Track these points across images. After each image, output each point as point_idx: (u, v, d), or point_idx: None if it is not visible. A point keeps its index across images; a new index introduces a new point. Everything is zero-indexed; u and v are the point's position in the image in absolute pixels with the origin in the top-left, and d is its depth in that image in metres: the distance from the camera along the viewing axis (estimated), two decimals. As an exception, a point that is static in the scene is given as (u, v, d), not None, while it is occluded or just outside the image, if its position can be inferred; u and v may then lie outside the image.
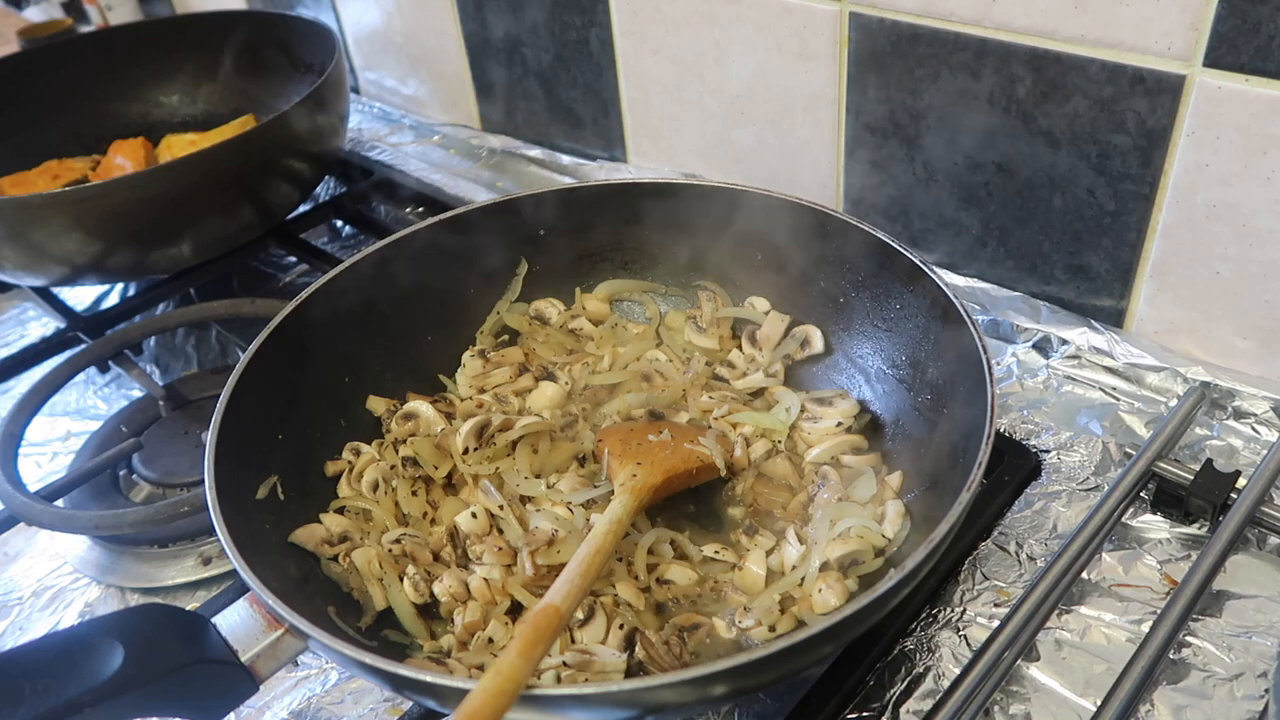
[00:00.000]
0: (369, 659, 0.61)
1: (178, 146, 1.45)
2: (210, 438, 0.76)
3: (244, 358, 0.83)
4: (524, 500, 0.87)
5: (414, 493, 0.89)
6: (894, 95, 1.08)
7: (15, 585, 0.97)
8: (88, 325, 1.25)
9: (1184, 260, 0.97)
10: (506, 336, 1.04)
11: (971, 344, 0.77)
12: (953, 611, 0.80)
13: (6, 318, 1.38)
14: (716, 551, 0.82)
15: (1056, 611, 0.79)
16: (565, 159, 1.49)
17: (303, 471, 0.88)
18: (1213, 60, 0.85)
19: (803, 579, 0.77)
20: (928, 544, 0.63)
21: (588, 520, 0.83)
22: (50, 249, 1.15)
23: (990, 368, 0.74)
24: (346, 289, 0.93)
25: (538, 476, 0.88)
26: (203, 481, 0.73)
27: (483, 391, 0.97)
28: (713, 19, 1.19)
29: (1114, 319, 1.05)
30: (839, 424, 0.91)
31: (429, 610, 0.81)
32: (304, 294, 0.90)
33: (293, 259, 1.40)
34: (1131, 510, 0.87)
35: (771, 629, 0.76)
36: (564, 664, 0.71)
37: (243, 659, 0.67)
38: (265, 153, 1.23)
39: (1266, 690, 0.72)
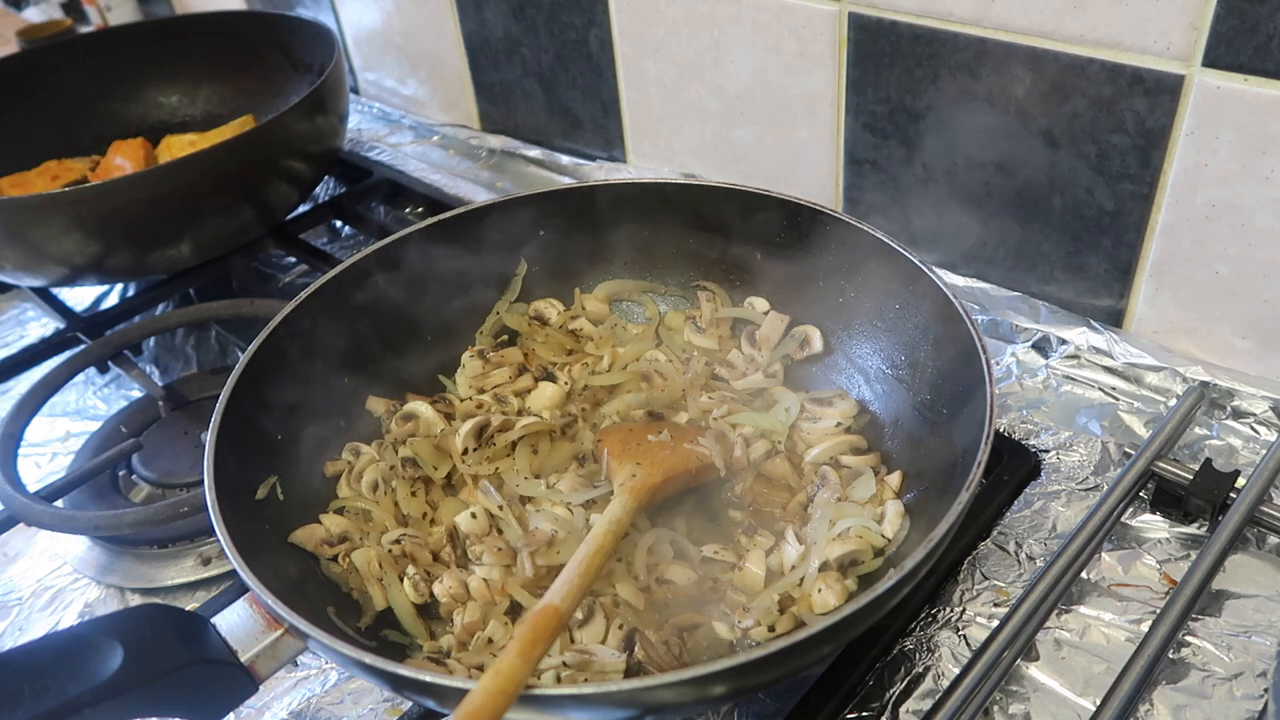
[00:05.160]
0: (369, 659, 0.61)
1: (177, 147, 1.45)
2: (210, 438, 0.76)
3: (243, 358, 0.83)
4: (524, 500, 0.87)
5: (413, 493, 0.89)
6: (893, 95, 1.08)
7: (15, 585, 0.97)
8: (87, 325, 1.25)
9: (1183, 260, 0.97)
10: (506, 337, 1.04)
11: (971, 344, 0.77)
12: (952, 611, 0.81)
13: (6, 318, 1.38)
14: (716, 551, 0.82)
15: (1056, 611, 0.79)
16: (565, 159, 1.49)
17: (302, 472, 0.88)
18: (1212, 60, 0.85)
19: (802, 579, 0.77)
20: (927, 544, 0.63)
21: (587, 520, 0.83)
22: (50, 249, 1.15)
23: (989, 368, 0.74)
24: (346, 289, 0.93)
25: (537, 477, 0.88)
26: (202, 482, 0.73)
27: (482, 392, 0.96)
28: (712, 19, 1.19)
29: (1113, 319, 1.05)
30: (838, 424, 0.91)
31: (429, 610, 0.81)
32: (303, 294, 0.90)
33: (292, 259, 1.40)
34: (1131, 510, 0.87)
35: (771, 629, 0.76)
36: (563, 664, 0.71)
37: (242, 659, 0.67)
38: (265, 153, 1.23)
39: (1266, 690, 0.72)
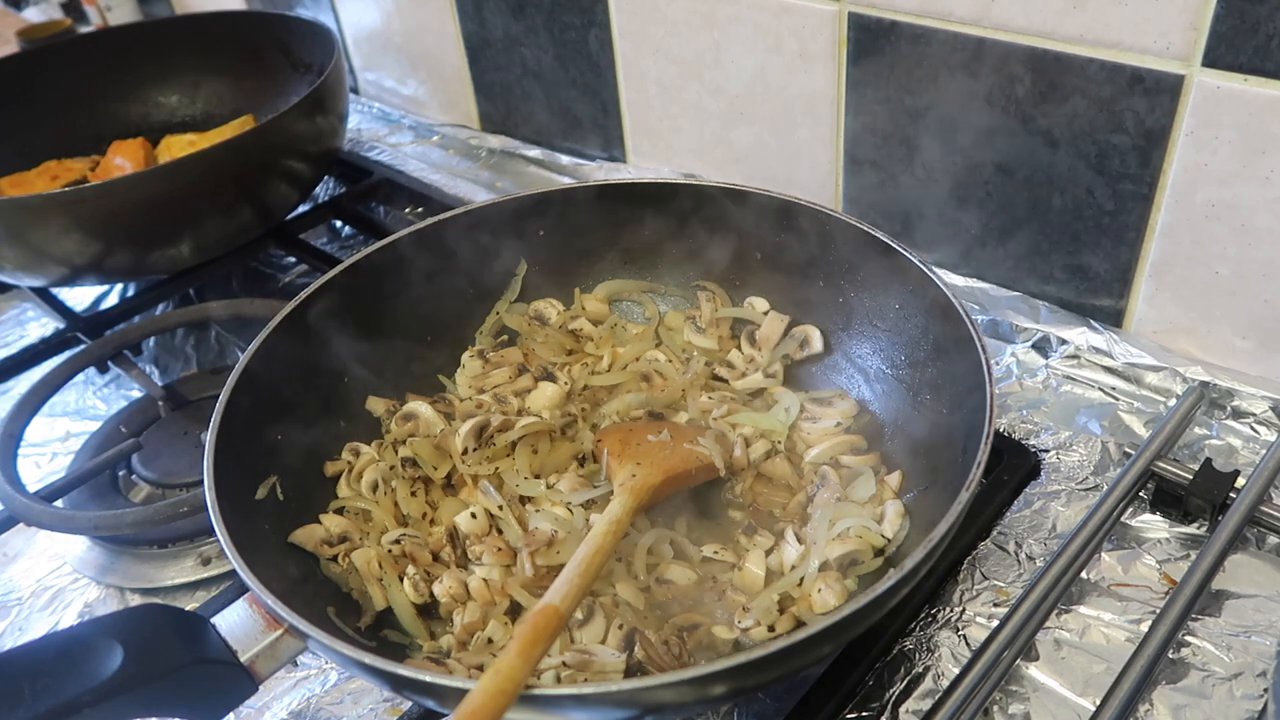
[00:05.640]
0: (368, 659, 0.61)
1: (177, 147, 1.45)
2: (209, 438, 0.76)
3: (243, 358, 0.83)
4: (523, 500, 0.87)
5: (413, 493, 0.89)
6: (893, 95, 1.08)
7: (15, 585, 0.97)
8: (87, 326, 1.25)
9: (1183, 260, 0.97)
10: (506, 337, 1.04)
11: (970, 344, 0.77)
12: (952, 611, 0.81)
13: (6, 318, 1.38)
14: (716, 551, 0.82)
15: (1056, 611, 0.79)
16: (564, 159, 1.49)
17: (302, 472, 0.88)
18: (1211, 60, 0.85)
19: (802, 579, 0.77)
20: (926, 544, 0.63)
21: (587, 520, 0.83)
22: (49, 249, 1.15)
23: (989, 367, 0.74)
24: (345, 289, 0.93)
25: (537, 477, 0.88)
26: (202, 482, 0.73)
27: (482, 392, 0.96)
28: (712, 19, 1.19)
29: (1113, 319, 1.05)
30: (838, 424, 0.91)
31: (429, 610, 0.81)
32: (303, 294, 0.90)
33: (292, 259, 1.40)
34: (1131, 510, 0.87)
35: (771, 629, 0.76)
36: (563, 664, 0.71)
37: (242, 659, 0.67)
38: (264, 153, 1.23)
39: (1265, 690, 0.72)
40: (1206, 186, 0.91)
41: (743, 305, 1.02)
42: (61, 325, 1.27)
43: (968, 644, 0.78)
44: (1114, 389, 0.99)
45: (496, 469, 0.88)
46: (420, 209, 1.47)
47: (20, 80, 1.49)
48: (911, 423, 0.88)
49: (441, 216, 0.99)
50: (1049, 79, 0.95)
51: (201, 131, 1.50)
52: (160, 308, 1.31)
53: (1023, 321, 1.06)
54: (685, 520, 0.87)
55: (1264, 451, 0.88)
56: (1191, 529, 0.85)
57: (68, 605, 0.95)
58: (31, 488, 0.98)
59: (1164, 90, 0.89)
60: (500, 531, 0.85)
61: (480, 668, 0.74)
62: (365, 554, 0.82)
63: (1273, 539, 0.83)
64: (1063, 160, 0.99)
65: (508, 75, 1.50)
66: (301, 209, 1.42)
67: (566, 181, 1.45)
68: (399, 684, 0.63)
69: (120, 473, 1.06)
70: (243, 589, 0.71)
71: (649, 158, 1.41)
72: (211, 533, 0.70)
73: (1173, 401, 0.96)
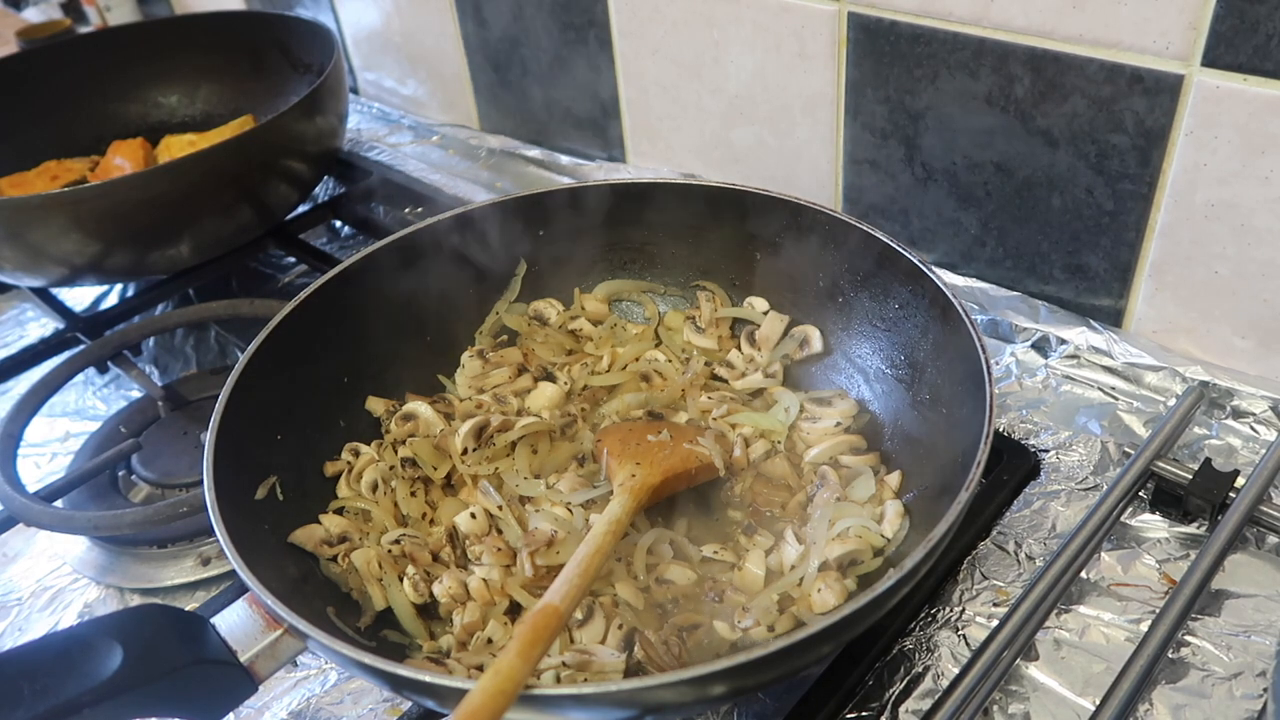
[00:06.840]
0: (368, 659, 0.61)
1: (176, 147, 1.45)
2: (209, 438, 0.76)
3: (243, 358, 0.83)
4: (523, 501, 0.87)
5: (413, 493, 0.89)
6: (892, 95, 1.08)
7: (14, 586, 0.97)
8: (87, 326, 1.25)
9: (1182, 260, 0.97)
10: (505, 337, 1.04)
11: (970, 344, 0.77)
12: (951, 611, 0.81)
13: (6, 318, 1.38)
14: (715, 551, 0.82)
15: (1055, 611, 0.79)
16: (564, 159, 1.49)
17: (302, 472, 0.88)
18: (1211, 60, 0.85)
19: (801, 579, 0.77)
20: (926, 544, 0.63)
21: (587, 520, 0.83)
22: (49, 250, 1.15)
23: (989, 367, 0.74)
24: (345, 289, 0.93)
25: (537, 477, 0.88)
26: (202, 482, 0.73)
27: (482, 392, 0.97)
28: (711, 19, 1.19)
29: (1113, 318, 1.05)
30: (838, 424, 0.91)
31: (428, 610, 0.81)
32: (303, 294, 0.90)
33: (292, 259, 1.40)
34: (1130, 510, 0.87)
35: (770, 629, 0.76)
36: (563, 664, 0.71)
37: (242, 659, 0.67)
38: (264, 153, 1.23)
39: (1265, 689, 0.72)
40: (1206, 186, 0.91)
41: (742, 305, 1.02)
42: (61, 325, 1.27)
43: (967, 644, 0.78)
44: (1114, 389, 0.99)
45: (496, 469, 0.88)
46: (420, 209, 1.47)
47: (20, 80, 1.49)
48: (911, 423, 0.88)
49: (441, 216, 0.98)
50: (1048, 79, 0.95)
51: (201, 131, 1.50)
52: (160, 308, 1.31)
53: (1022, 321, 1.06)
54: (685, 520, 0.86)
55: (1264, 451, 0.88)
56: (1191, 529, 0.85)
57: (68, 605, 0.95)
58: (31, 488, 0.98)
59: (1163, 90, 0.89)
60: (500, 531, 0.85)
61: (480, 668, 0.74)
62: (365, 554, 0.82)
63: (1272, 539, 0.83)
64: (1062, 160, 0.99)
65: (508, 75, 1.50)
66: (301, 209, 1.42)
67: (566, 181, 1.45)
68: (399, 684, 0.63)
69: (120, 473, 1.06)
70: (242, 589, 0.71)
71: (649, 158, 1.41)
72: (211, 533, 0.70)
73: (1172, 401, 0.96)
